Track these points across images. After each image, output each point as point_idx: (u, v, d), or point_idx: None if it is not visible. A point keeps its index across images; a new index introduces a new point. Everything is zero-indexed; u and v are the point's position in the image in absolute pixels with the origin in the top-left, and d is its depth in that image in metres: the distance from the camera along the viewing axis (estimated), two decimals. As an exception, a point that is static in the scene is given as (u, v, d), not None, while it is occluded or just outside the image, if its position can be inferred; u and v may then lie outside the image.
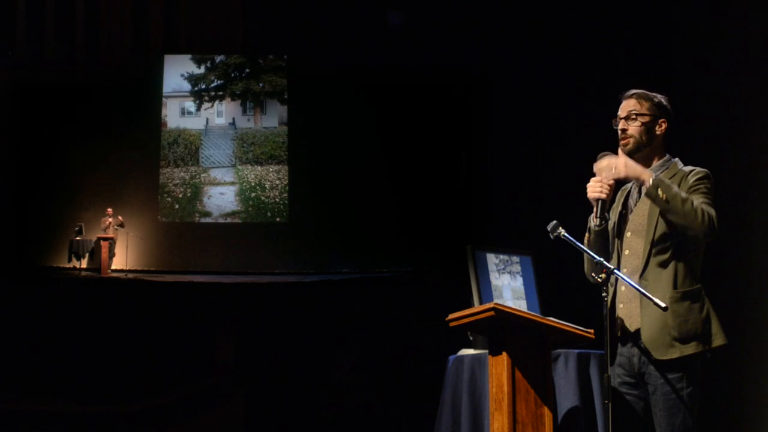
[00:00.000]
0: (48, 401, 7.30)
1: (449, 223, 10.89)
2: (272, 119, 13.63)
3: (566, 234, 2.94)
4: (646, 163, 3.07)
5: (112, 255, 12.15)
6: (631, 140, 3.05)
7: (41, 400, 7.32)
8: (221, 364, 8.31)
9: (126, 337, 8.35)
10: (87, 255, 12.34)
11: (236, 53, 13.61)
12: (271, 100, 13.63)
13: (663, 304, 2.74)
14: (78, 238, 12.34)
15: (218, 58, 13.66)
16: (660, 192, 2.86)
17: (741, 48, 5.19)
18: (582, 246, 2.96)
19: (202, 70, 13.65)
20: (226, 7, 13.47)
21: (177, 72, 13.60)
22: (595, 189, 3.00)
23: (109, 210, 12.21)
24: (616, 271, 2.82)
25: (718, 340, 2.95)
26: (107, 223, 12.09)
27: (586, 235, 3.10)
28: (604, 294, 2.85)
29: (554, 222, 2.97)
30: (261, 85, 13.60)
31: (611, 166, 2.95)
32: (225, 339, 8.50)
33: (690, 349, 2.91)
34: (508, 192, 8.65)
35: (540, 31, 8.05)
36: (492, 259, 3.51)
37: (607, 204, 3.02)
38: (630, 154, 3.06)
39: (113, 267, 12.18)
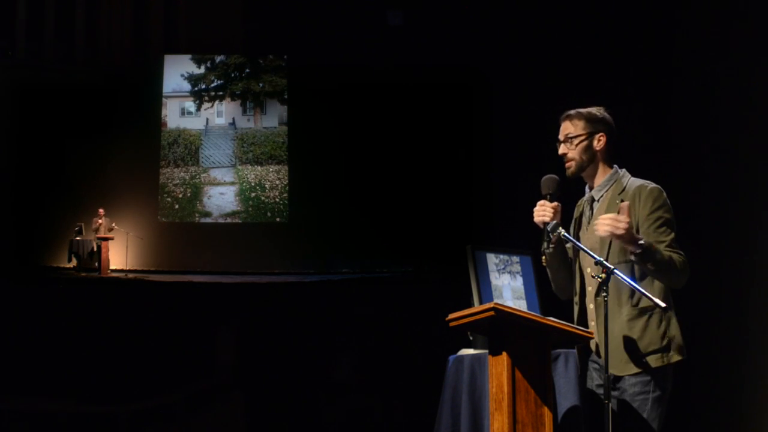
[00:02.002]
0: (48, 401, 7.29)
1: (449, 223, 10.89)
2: (272, 119, 13.64)
3: (566, 234, 2.95)
4: (593, 180, 3.11)
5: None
6: (573, 163, 3.09)
7: (41, 399, 7.31)
8: (221, 364, 8.30)
9: (126, 337, 8.34)
10: (87, 255, 12.33)
11: (236, 53, 13.62)
12: (271, 100, 13.64)
13: (663, 304, 2.74)
14: (78, 238, 12.34)
15: (218, 58, 13.67)
16: (650, 264, 2.82)
17: (743, 48, 5.19)
18: (582, 246, 2.96)
19: (202, 70, 13.65)
20: (226, 7, 13.47)
21: (177, 72, 13.61)
22: (539, 213, 2.99)
23: (101, 211, 12.18)
24: (615, 270, 2.82)
25: (676, 356, 2.96)
26: (98, 224, 12.07)
27: (543, 257, 3.11)
28: (604, 294, 2.84)
29: (554, 222, 2.97)
30: (261, 85, 13.61)
31: (614, 223, 2.81)
32: (225, 339, 8.50)
33: (651, 362, 2.93)
34: (508, 192, 8.65)
35: (540, 31, 8.05)
36: (492, 259, 3.50)
37: (551, 225, 2.96)
38: (574, 176, 3.11)
39: (113, 267, 12.17)
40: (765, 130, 4.89)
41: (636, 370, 2.94)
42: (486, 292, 3.40)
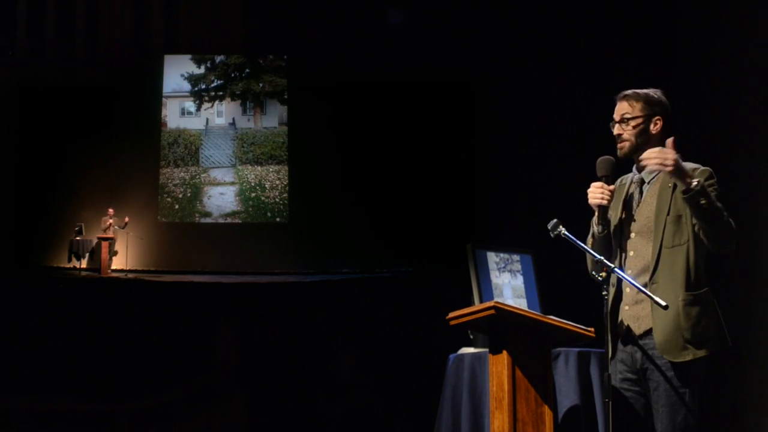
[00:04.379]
0: (48, 400, 7.30)
1: (449, 223, 10.89)
2: (272, 119, 13.64)
3: (566, 232, 2.93)
4: (642, 162, 3.05)
5: (111, 255, 12.14)
6: (626, 144, 3.02)
7: (42, 398, 7.32)
8: (221, 363, 8.30)
9: (126, 336, 8.35)
10: (87, 255, 12.33)
11: (236, 53, 13.62)
12: (271, 100, 13.64)
13: (663, 303, 2.72)
14: (78, 238, 12.34)
15: (218, 58, 13.67)
16: (703, 201, 2.76)
17: (745, 48, 5.19)
18: (582, 244, 2.96)
19: (202, 70, 13.65)
20: (226, 7, 13.47)
21: (177, 72, 13.61)
22: (596, 195, 2.97)
23: (111, 210, 12.20)
24: (616, 269, 2.81)
25: (726, 343, 2.95)
26: (108, 223, 12.08)
27: (590, 239, 3.08)
28: (604, 293, 2.84)
29: (554, 220, 2.95)
30: (261, 85, 13.61)
31: (661, 156, 2.79)
32: (225, 339, 8.50)
33: (702, 352, 2.89)
34: (508, 192, 8.65)
35: (540, 31, 8.05)
36: (492, 257, 3.50)
37: (608, 209, 2.99)
38: (626, 157, 3.05)
39: (113, 267, 12.17)
40: (766, 128, 4.89)
41: (691, 356, 2.88)
42: (486, 291, 3.40)
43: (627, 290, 3.03)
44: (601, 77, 6.63)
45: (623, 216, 3.09)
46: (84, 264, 12.32)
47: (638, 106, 3.03)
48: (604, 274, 2.83)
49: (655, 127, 3.02)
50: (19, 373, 7.59)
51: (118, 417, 7.03)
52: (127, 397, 7.24)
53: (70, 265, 12.40)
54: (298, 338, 8.36)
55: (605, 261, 2.82)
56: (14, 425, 7.00)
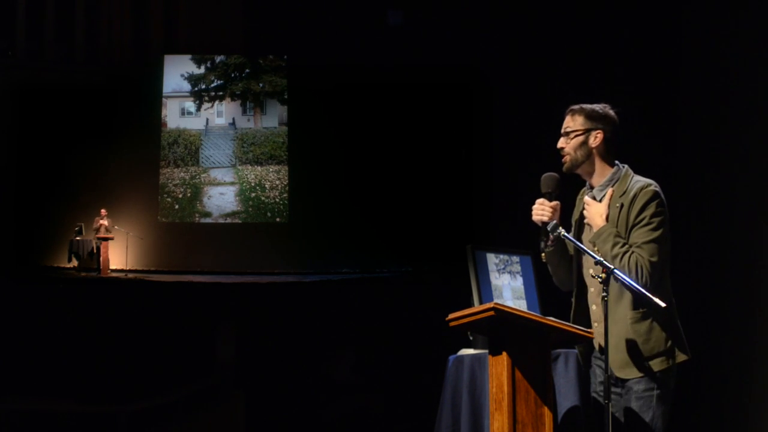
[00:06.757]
0: (48, 401, 7.30)
1: (449, 223, 10.89)
2: (272, 119, 13.64)
3: (566, 234, 2.94)
4: (592, 178, 3.08)
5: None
6: (567, 158, 3.07)
7: (41, 399, 7.32)
8: (221, 364, 8.31)
9: (126, 337, 8.34)
10: (87, 255, 12.33)
11: (236, 53, 13.62)
12: (271, 100, 13.64)
13: (663, 304, 2.72)
14: (78, 238, 12.34)
15: (218, 58, 13.67)
16: (594, 248, 2.92)
17: (745, 49, 5.18)
18: (582, 246, 2.96)
19: (202, 70, 13.65)
20: (226, 7, 13.47)
21: (177, 72, 13.61)
22: (537, 212, 2.99)
23: (103, 211, 12.16)
24: (616, 271, 2.81)
25: (681, 356, 2.96)
26: (99, 223, 12.05)
27: (542, 254, 3.11)
28: (604, 294, 2.83)
29: (554, 222, 2.96)
30: (261, 85, 13.61)
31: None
32: (225, 339, 8.50)
33: (655, 366, 2.92)
34: (508, 192, 8.65)
35: (540, 31, 8.05)
36: (492, 258, 3.50)
37: (551, 225, 2.97)
38: (569, 171, 3.09)
39: (113, 267, 12.16)
40: None
41: (639, 374, 2.92)
42: (486, 292, 3.39)
43: (593, 307, 3.08)
44: (602, 78, 6.62)
45: (579, 225, 3.13)
46: (84, 264, 12.31)
47: (579, 120, 3.07)
48: (603, 275, 2.82)
49: (594, 141, 3.05)
50: (18, 373, 7.59)
51: (118, 418, 7.03)
52: (126, 398, 7.25)
53: (70, 265, 12.40)
54: (297, 339, 8.36)
55: (604, 262, 2.81)
56: (14, 426, 7.00)
